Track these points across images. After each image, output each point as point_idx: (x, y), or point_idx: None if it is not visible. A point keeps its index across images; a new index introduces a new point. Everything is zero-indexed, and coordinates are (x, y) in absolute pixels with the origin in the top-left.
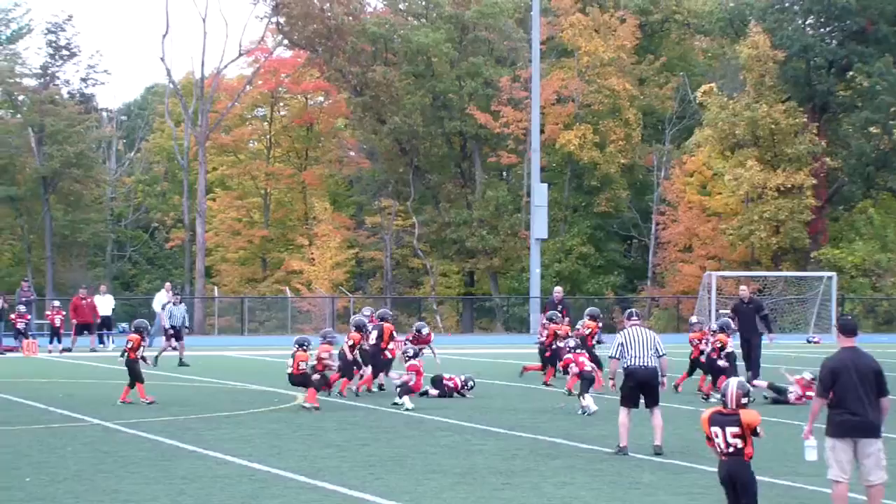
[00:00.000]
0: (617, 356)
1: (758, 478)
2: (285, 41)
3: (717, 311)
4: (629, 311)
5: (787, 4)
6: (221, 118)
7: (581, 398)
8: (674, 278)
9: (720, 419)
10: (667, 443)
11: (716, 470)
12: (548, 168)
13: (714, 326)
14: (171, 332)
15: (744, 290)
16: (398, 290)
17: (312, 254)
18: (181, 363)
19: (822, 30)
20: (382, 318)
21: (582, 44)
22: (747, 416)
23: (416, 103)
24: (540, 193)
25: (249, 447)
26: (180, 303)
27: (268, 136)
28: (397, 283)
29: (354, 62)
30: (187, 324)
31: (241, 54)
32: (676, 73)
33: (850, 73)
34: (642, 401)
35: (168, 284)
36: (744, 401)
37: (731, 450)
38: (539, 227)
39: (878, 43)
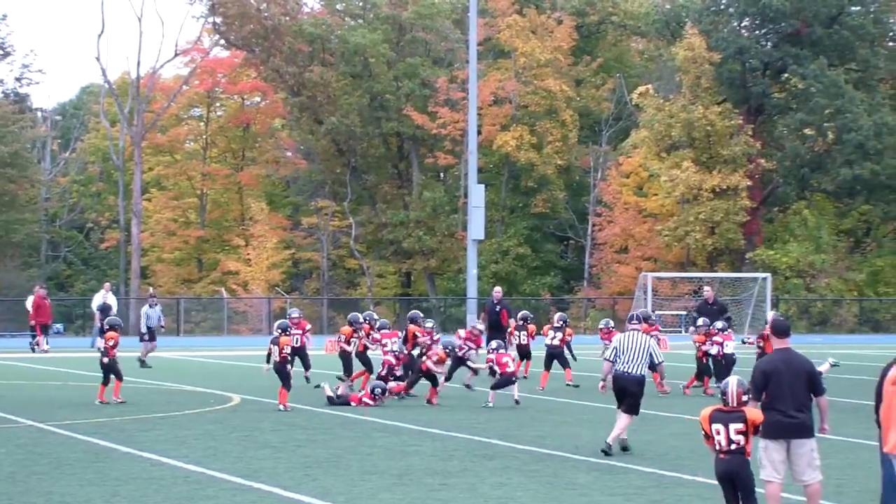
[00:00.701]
0: (611, 359)
1: (694, 478)
2: (222, 41)
3: (653, 311)
4: (631, 314)
5: (722, 7)
6: (157, 118)
7: (491, 391)
8: (610, 279)
9: (722, 416)
10: (603, 442)
11: (651, 471)
12: (485, 169)
13: (719, 325)
14: (146, 335)
15: (708, 291)
16: (335, 291)
17: (248, 254)
18: (143, 364)
19: (757, 32)
20: (412, 320)
21: (519, 45)
22: (752, 413)
23: (353, 104)
24: (477, 194)
25: (185, 448)
26: (156, 304)
27: (204, 137)
28: (334, 284)
29: (291, 62)
30: (163, 324)
31: (177, 54)
32: (613, 74)
33: (785, 75)
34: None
35: (107, 284)
36: (744, 398)
37: (733, 447)
38: (476, 228)
39: (813, 45)
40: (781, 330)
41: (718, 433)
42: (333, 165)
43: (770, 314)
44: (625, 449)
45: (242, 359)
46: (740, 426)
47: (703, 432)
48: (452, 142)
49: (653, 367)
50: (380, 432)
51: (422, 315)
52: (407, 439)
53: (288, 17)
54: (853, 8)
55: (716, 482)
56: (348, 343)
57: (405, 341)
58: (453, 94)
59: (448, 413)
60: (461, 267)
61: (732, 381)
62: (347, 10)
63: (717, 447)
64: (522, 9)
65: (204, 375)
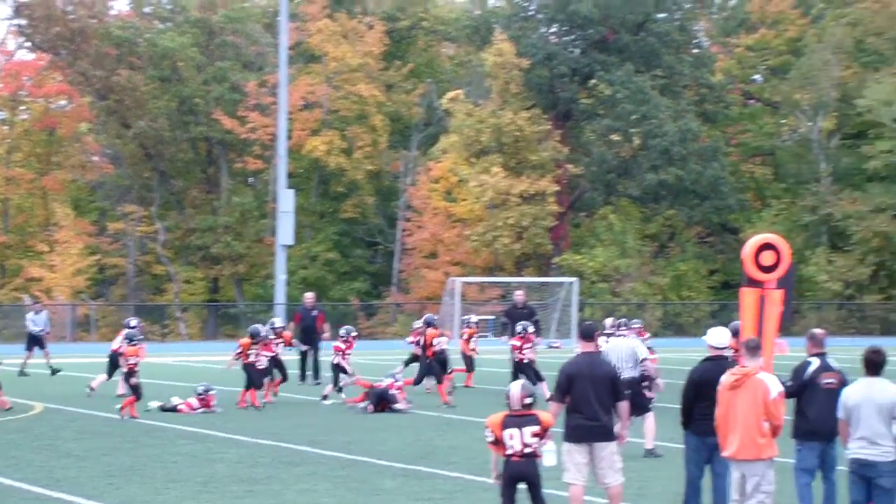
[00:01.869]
0: None
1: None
2: (27, 43)
3: (461, 315)
4: (618, 321)
5: (531, 13)
6: None
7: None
8: (418, 284)
9: (516, 421)
10: (409, 448)
11: (458, 475)
12: (294, 174)
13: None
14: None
15: (519, 295)
16: (141, 297)
17: (53, 260)
18: (53, 371)
19: (565, 38)
20: (428, 324)
21: (330, 49)
22: (543, 416)
23: (161, 108)
24: (286, 199)
25: None
26: (42, 311)
27: (7, 141)
28: (140, 290)
29: (98, 66)
30: (48, 330)
31: None
32: (424, 79)
33: (593, 81)
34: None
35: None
36: (527, 401)
37: (527, 450)
38: (285, 233)
39: (620, 52)
40: (588, 334)
41: (512, 437)
42: (141, 170)
43: (608, 320)
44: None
45: (44, 367)
46: (535, 429)
47: (489, 437)
48: (262, 146)
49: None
50: (185, 440)
51: (435, 318)
52: (212, 446)
53: (95, 19)
54: (659, 15)
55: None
56: (246, 356)
57: (424, 347)
58: (263, 98)
59: (255, 420)
60: (269, 272)
61: (516, 386)
62: (156, 13)
63: (510, 451)
64: (333, 13)
65: (6, 384)
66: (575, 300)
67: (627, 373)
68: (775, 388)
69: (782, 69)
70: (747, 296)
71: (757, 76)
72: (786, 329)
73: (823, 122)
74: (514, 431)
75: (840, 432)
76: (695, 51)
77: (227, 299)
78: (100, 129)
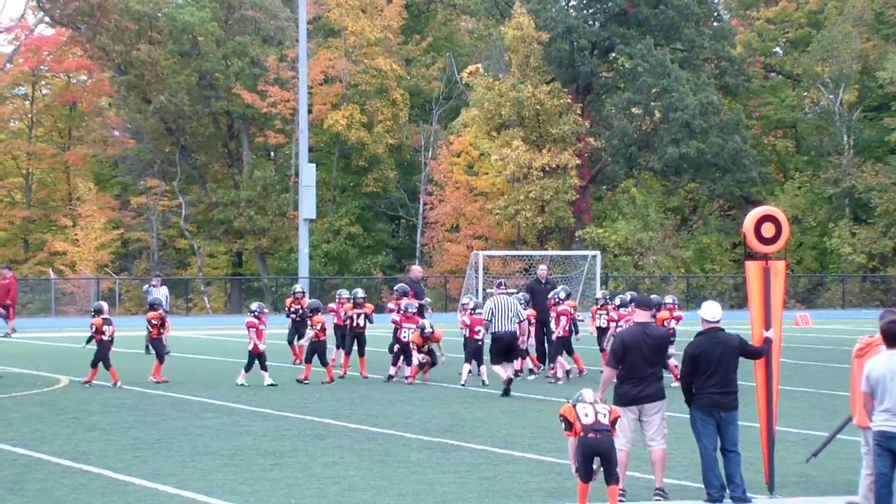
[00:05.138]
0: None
1: (525, 455)
2: (46, 19)
3: (483, 290)
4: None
5: None
6: None
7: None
8: (441, 258)
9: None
10: (435, 421)
11: (483, 448)
12: (315, 148)
13: (617, 301)
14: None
15: (543, 270)
16: (165, 271)
17: (76, 235)
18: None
19: (585, 12)
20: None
21: (349, 23)
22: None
23: (181, 82)
24: (308, 173)
25: (11, 431)
26: (161, 284)
27: (29, 116)
28: (164, 264)
29: (118, 40)
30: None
31: (0, 32)
32: (443, 53)
33: (613, 54)
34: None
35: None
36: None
37: (602, 426)
38: (307, 207)
39: (640, 25)
40: (644, 304)
41: (587, 416)
42: (162, 145)
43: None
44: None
45: (70, 340)
46: (605, 406)
47: (565, 424)
48: (283, 121)
49: None
50: (210, 413)
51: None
52: (238, 419)
53: None
54: None
55: (545, 457)
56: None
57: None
58: (283, 72)
59: (280, 393)
60: (293, 246)
61: (588, 393)
62: None
63: (586, 423)
64: None
65: (31, 357)
66: (598, 273)
67: (511, 326)
68: None
69: (803, 42)
70: (752, 269)
71: (777, 49)
72: (810, 302)
73: (845, 95)
74: (588, 408)
75: (864, 406)
76: (715, 24)
77: (250, 273)
78: (120, 103)
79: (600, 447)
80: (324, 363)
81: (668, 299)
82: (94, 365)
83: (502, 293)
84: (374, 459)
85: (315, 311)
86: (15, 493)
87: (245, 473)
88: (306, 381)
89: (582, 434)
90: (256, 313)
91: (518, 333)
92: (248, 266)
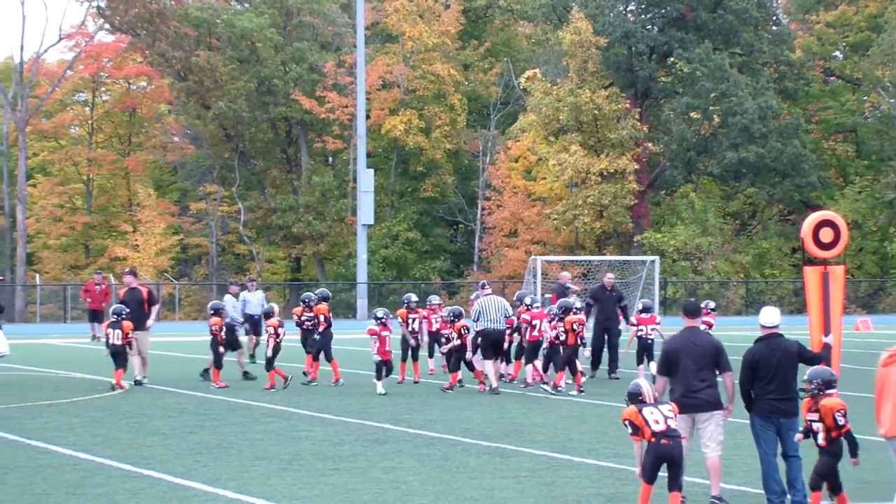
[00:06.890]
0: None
1: (584, 461)
2: (106, 25)
3: (542, 294)
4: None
5: None
6: (41, 103)
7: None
8: (499, 263)
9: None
10: (494, 426)
11: (542, 453)
12: (374, 153)
13: (640, 306)
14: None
15: (610, 278)
16: (224, 277)
17: (136, 240)
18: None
19: (643, 16)
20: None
21: (406, 29)
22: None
23: (240, 88)
24: (366, 179)
25: (73, 436)
26: (257, 288)
27: (89, 122)
28: (223, 270)
29: (177, 47)
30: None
31: (61, 38)
32: (500, 58)
33: (671, 59)
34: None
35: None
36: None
37: (671, 431)
38: (365, 212)
39: (698, 29)
40: (691, 310)
41: (657, 423)
42: (221, 150)
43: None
44: None
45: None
46: (669, 405)
47: (631, 428)
48: (341, 126)
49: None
50: (269, 417)
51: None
52: (297, 424)
53: (173, 0)
54: None
55: (604, 463)
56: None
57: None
58: (341, 78)
59: (339, 398)
60: (351, 252)
61: (645, 384)
62: None
63: (657, 429)
64: None
65: (92, 362)
66: (657, 278)
67: (500, 323)
68: None
69: (863, 45)
70: (810, 274)
71: (837, 53)
72: (871, 307)
73: None
74: (655, 412)
75: None
76: (773, 28)
77: (309, 278)
78: (180, 109)
79: (672, 454)
80: (328, 358)
81: (707, 304)
82: (268, 367)
83: (489, 294)
84: (432, 464)
85: (268, 315)
86: (76, 497)
87: (304, 478)
88: (314, 382)
89: (654, 441)
90: (383, 320)
91: (506, 333)
92: (306, 271)
